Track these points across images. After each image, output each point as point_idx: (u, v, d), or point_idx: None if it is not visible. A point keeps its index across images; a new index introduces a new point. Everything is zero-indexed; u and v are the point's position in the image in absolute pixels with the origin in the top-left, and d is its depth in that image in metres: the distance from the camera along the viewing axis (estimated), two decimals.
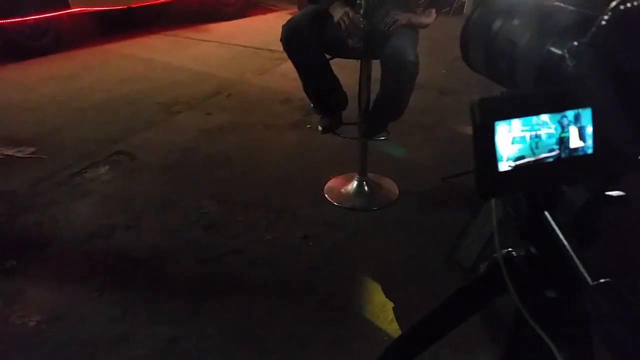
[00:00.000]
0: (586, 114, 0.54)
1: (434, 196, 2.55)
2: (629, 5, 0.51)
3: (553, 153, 0.53)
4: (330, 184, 2.64)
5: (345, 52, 2.21)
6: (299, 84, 2.36)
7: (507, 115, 0.51)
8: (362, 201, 2.52)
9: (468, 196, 2.44)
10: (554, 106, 0.52)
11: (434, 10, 2.08)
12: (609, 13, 0.52)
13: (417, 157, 2.91)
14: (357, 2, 2.05)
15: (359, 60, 2.31)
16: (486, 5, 0.71)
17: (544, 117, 0.52)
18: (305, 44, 2.12)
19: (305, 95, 2.42)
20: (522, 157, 0.53)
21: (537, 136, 0.53)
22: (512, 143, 0.52)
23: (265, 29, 5.80)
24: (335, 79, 2.35)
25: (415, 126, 3.15)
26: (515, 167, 0.52)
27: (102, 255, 2.15)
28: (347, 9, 2.06)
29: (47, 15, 4.69)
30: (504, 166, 0.52)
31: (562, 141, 0.54)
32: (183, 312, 1.84)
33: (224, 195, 2.56)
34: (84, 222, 2.35)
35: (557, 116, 0.53)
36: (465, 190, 2.52)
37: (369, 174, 2.61)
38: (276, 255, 2.14)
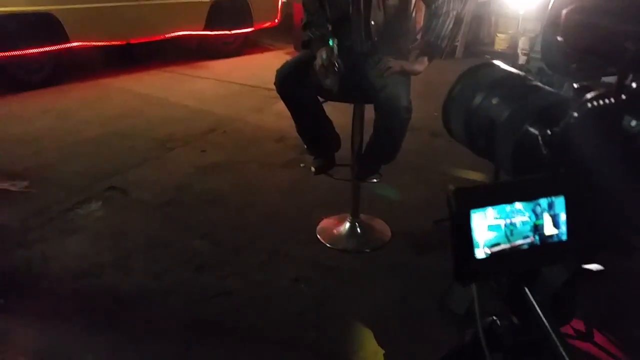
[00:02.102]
0: (559, 202, 0.56)
1: (426, 239, 2.55)
2: (595, 103, 0.54)
3: (528, 240, 0.55)
4: (323, 224, 2.64)
5: (337, 96, 2.24)
6: (293, 122, 2.40)
7: (482, 204, 0.53)
8: (354, 243, 2.52)
9: None
10: (528, 194, 0.55)
11: (425, 59, 2.13)
12: (579, 109, 0.55)
13: (409, 198, 2.93)
14: (330, 45, 2.07)
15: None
16: (468, 81, 0.74)
17: (518, 205, 0.55)
18: (298, 88, 2.16)
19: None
20: (498, 244, 0.54)
21: (511, 224, 0.55)
22: (488, 230, 0.54)
23: (262, 67, 5.89)
24: (328, 121, 2.39)
25: (408, 168, 3.17)
26: (492, 254, 0.54)
27: (91, 294, 2.13)
28: (322, 51, 2.08)
29: (47, 49, 4.75)
30: (480, 253, 0.54)
31: (537, 228, 0.56)
32: (171, 355, 1.82)
33: (215, 234, 2.56)
34: (74, 260, 2.34)
35: (531, 204, 0.55)
36: None
37: (361, 215, 2.62)
38: (267, 297, 2.12)
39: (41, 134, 3.79)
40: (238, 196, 2.97)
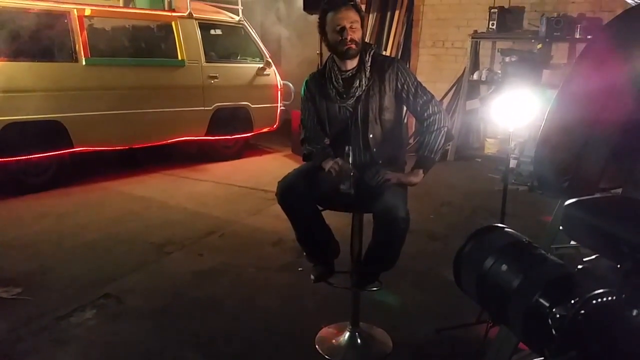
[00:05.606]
0: None
1: (429, 350, 2.48)
2: (599, 300, 0.59)
3: None
4: (322, 334, 2.57)
5: (337, 205, 2.30)
6: (291, 226, 2.41)
7: None
8: (354, 355, 2.44)
9: (463, 352, 2.39)
10: None
11: (421, 171, 2.21)
12: (585, 305, 0.60)
13: (409, 305, 2.88)
14: (345, 153, 2.20)
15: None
16: (477, 243, 0.79)
17: None
18: (299, 200, 2.22)
19: None
20: None
21: None
22: None
23: (261, 169, 6.05)
24: (327, 229, 2.42)
25: (407, 272, 3.15)
26: None
27: None
28: (337, 159, 2.21)
29: (51, 154, 4.89)
30: None
31: None
32: None
33: (209, 345, 2.48)
34: None
35: None
36: (460, 344, 2.47)
37: (361, 324, 2.56)
38: None
39: (38, 238, 3.78)
40: (234, 302, 2.92)
